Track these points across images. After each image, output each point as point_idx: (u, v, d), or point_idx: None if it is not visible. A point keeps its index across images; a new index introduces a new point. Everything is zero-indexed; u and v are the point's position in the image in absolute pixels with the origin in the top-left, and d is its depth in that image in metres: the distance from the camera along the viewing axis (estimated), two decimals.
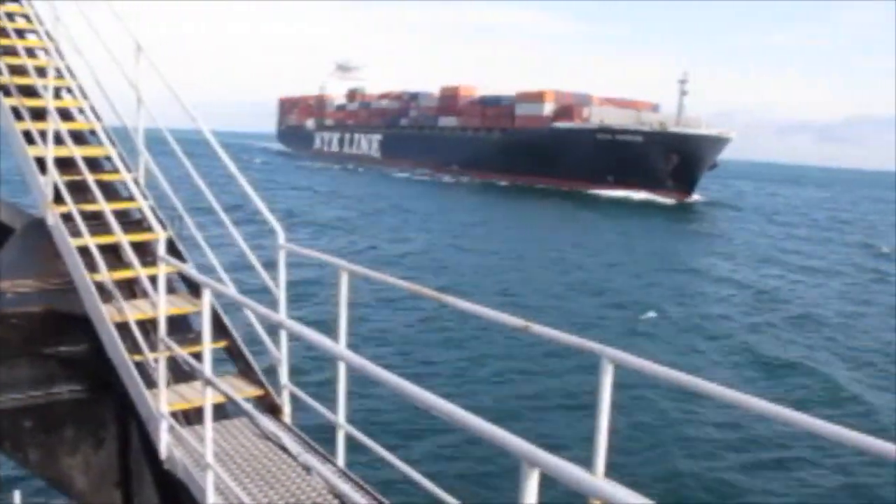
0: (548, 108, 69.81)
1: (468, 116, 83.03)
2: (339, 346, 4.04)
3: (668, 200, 60.45)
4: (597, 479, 2.94)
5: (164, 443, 4.50)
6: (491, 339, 16.16)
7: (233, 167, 5.29)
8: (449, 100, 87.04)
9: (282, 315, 4.64)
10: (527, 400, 13.21)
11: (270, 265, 5.02)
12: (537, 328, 3.26)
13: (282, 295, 5.02)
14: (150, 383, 4.76)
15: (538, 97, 70.99)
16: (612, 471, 3.10)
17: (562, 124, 67.29)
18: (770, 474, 10.73)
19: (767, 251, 35.35)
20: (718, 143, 61.38)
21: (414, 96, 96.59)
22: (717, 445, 11.58)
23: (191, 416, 4.89)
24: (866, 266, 32.99)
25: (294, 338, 3.36)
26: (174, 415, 4.69)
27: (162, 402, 4.47)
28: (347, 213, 39.26)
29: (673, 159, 60.29)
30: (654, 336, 18.05)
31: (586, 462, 2.99)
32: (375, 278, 4.44)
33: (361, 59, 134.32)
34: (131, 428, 5.14)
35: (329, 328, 4.40)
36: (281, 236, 5.01)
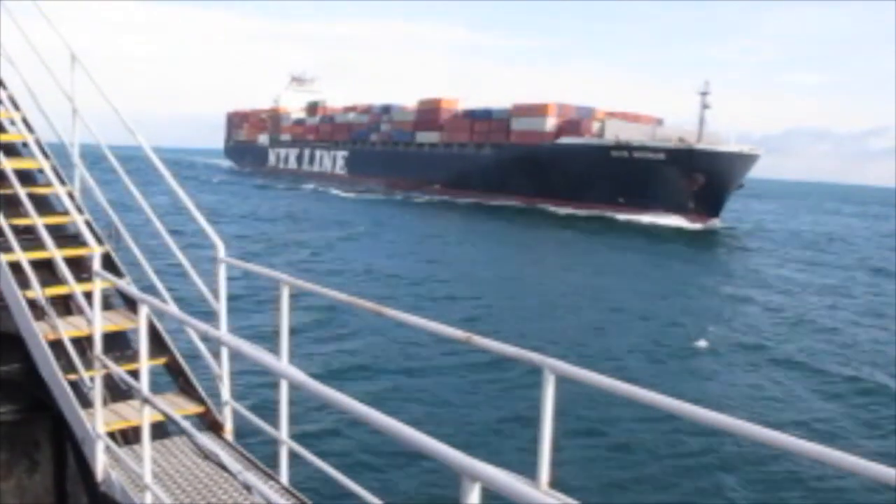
0: (550, 122, 71.99)
1: (452, 131, 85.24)
2: (281, 360, 4.71)
3: (692, 225, 62.07)
4: (540, 490, 3.47)
5: (101, 464, 5.02)
6: (434, 351, 18.01)
7: (173, 182, 5.99)
8: (428, 113, 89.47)
9: (223, 330, 5.37)
10: (470, 412, 14.76)
11: (211, 279, 5.73)
12: (479, 340, 3.81)
13: (222, 309, 5.67)
14: (86, 403, 5.28)
15: (539, 110, 73.39)
16: (557, 482, 3.59)
17: (568, 140, 69.29)
18: (713, 482, 12.22)
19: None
20: (748, 161, 63.40)
21: (386, 109, 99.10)
22: (661, 455, 13.03)
23: (129, 436, 5.43)
24: None
25: (235, 353, 3.92)
26: (111, 435, 5.19)
27: (98, 421, 4.99)
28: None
29: (698, 179, 62.12)
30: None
31: (530, 474, 3.48)
32: (316, 291, 5.01)
33: (317, 70, 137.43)
34: (67, 449, 5.66)
35: (271, 342, 5.05)
36: (220, 250, 5.66)
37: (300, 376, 3.08)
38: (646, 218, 63.81)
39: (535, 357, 3.55)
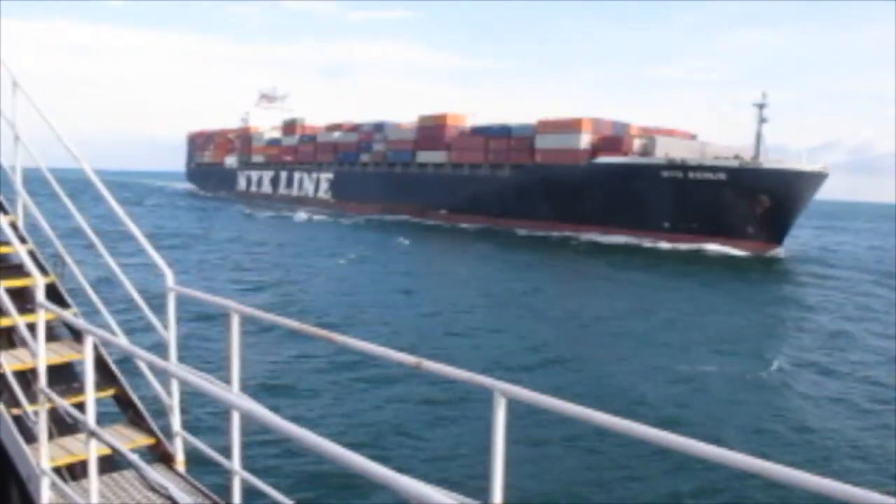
0: (585, 139, 64.26)
1: (462, 150, 77.04)
2: (232, 389, 4.87)
3: (755, 253, 55.44)
4: None
5: (46, 501, 4.85)
6: (384, 377, 17.69)
7: (118, 208, 5.92)
8: (431, 131, 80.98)
9: (172, 359, 5.48)
10: (423, 438, 14.33)
11: (161, 308, 5.67)
12: (430, 364, 3.78)
13: (172, 338, 5.56)
14: (31, 438, 5.13)
15: (571, 126, 65.20)
16: None
17: (609, 159, 61.86)
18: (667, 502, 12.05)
19: None
20: (818, 180, 57.19)
21: (379, 127, 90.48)
22: (615, 475, 12.85)
23: (76, 471, 5.27)
24: None
25: (184, 384, 3.74)
26: (58, 470, 5.08)
27: (43, 457, 4.81)
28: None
29: (763, 201, 55.58)
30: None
31: (483, 498, 3.44)
32: (267, 319, 4.94)
33: (287, 87, 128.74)
34: (10, 487, 5.34)
35: (223, 370, 5.15)
36: (170, 278, 5.61)
37: (249, 405, 3.06)
38: (703, 246, 57.07)
39: (485, 380, 3.46)
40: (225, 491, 5.00)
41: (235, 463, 4.83)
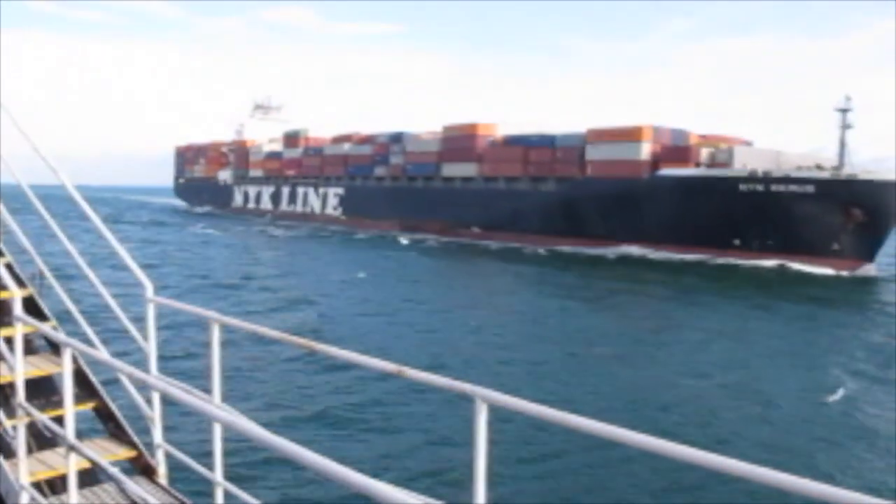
0: (646, 149, 58.74)
1: (496, 162, 71.15)
2: (213, 400, 4.87)
3: (844, 272, 50.43)
4: None
5: None
6: (365, 385, 17.73)
7: (98, 221, 5.82)
8: (459, 141, 74.92)
9: (153, 371, 5.40)
10: (405, 446, 14.34)
11: (142, 320, 5.54)
12: (410, 372, 3.74)
13: (152, 350, 5.44)
14: (9, 453, 5.05)
15: (631, 135, 59.48)
16: None
17: (676, 171, 56.40)
18: None
19: None
20: None
21: (396, 138, 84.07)
22: (593, 479, 12.89)
23: (56, 485, 5.11)
24: None
25: (164, 395, 3.87)
26: (37, 485, 4.95)
27: (22, 472, 4.72)
28: None
29: (856, 215, 50.58)
30: None
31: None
32: (247, 329, 4.88)
33: (284, 96, 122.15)
34: None
35: (204, 380, 5.06)
36: (149, 290, 5.49)
37: (230, 416, 3.03)
38: (781, 263, 51.91)
39: (466, 387, 3.38)
40: (207, 502, 4.87)
41: (217, 474, 4.73)
